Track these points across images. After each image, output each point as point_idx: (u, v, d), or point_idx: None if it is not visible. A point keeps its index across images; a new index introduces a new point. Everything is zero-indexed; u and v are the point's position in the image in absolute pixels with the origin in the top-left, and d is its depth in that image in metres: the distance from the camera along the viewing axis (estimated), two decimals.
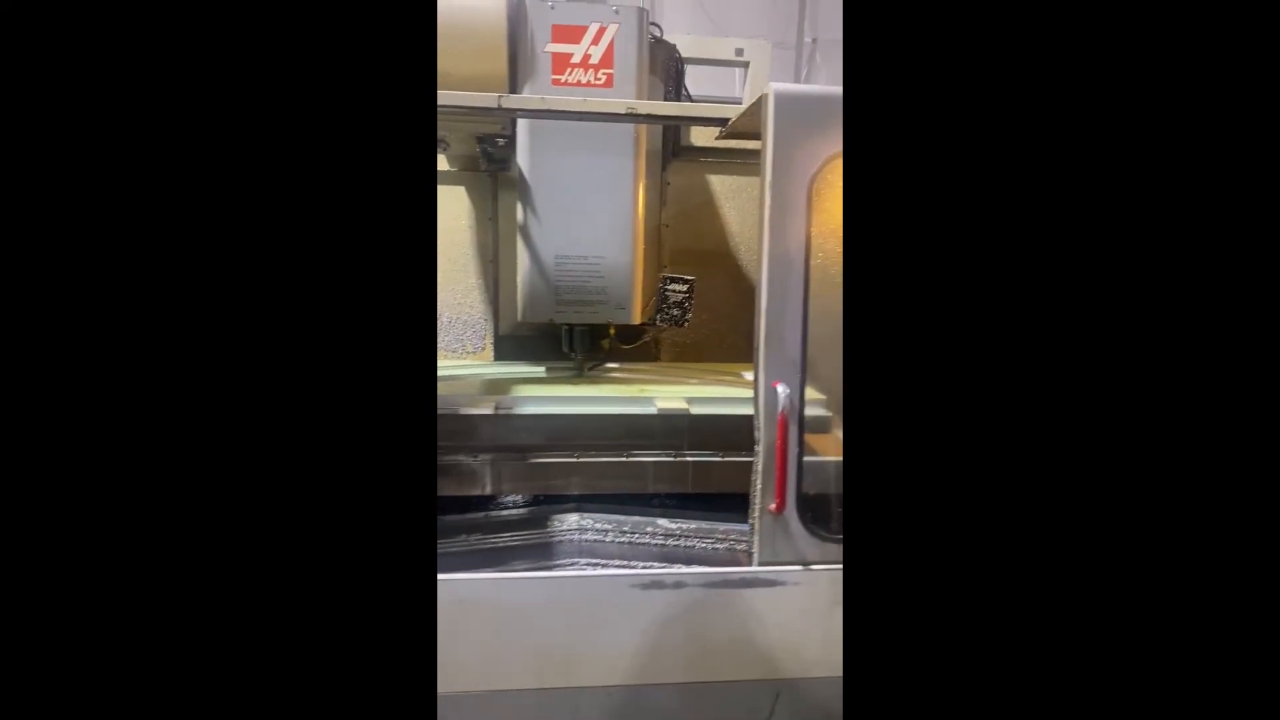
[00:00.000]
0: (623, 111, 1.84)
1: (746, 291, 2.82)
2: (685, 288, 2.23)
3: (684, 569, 1.61)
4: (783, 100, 1.50)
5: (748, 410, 1.63)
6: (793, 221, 1.52)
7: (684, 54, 3.34)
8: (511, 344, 2.83)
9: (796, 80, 4.52)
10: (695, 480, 1.99)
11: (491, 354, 2.89)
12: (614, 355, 2.63)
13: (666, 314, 2.24)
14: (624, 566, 1.68)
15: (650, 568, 1.71)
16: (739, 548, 1.83)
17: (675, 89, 3.17)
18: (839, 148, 1.50)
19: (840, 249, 1.60)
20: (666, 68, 3.06)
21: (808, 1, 4.52)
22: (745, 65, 3.37)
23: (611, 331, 2.41)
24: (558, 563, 1.76)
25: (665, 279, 2.26)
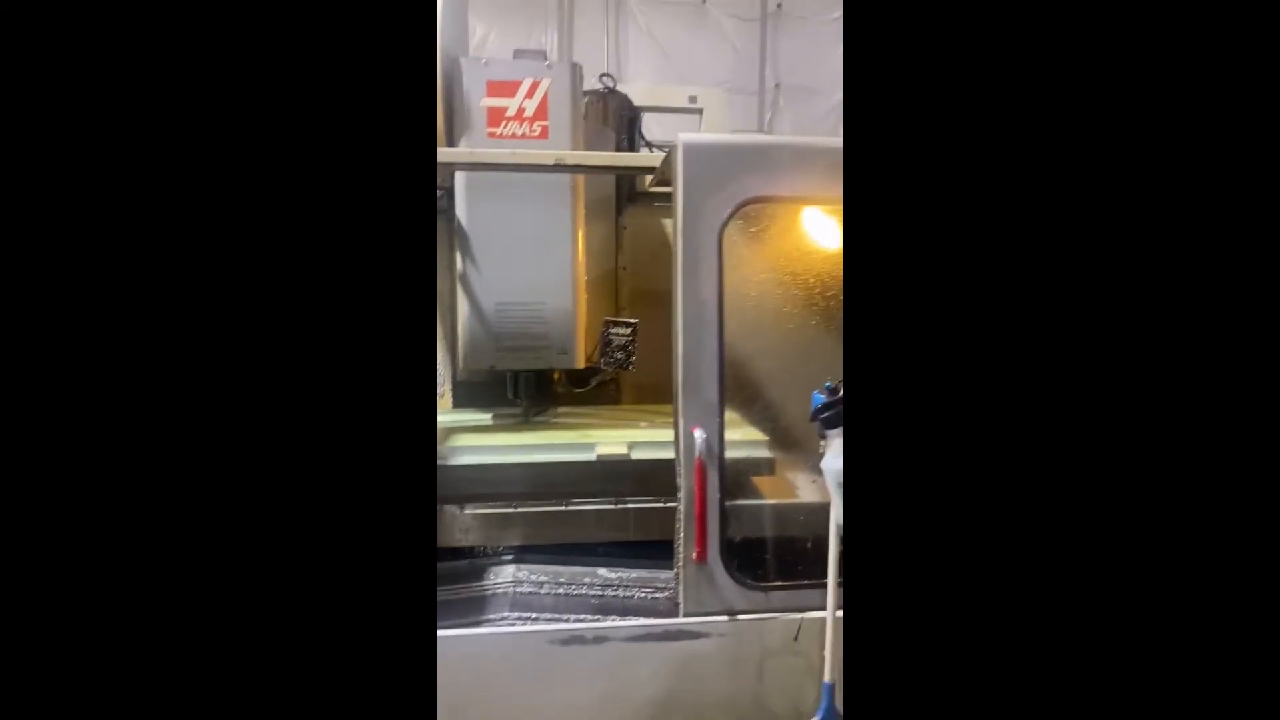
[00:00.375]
0: (551, 162, 1.88)
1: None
2: (628, 331, 2.24)
3: (605, 622, 1.57)
4: (691, 150, 1.52)
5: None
6: (705, 268, 1.53)
7: (640, 102, 3.42)
8: (468, 390, 2.82)
9: (760, 124, 4.62)
10: (637, 527, 1.96)
11: (450, 400, 2.88)
12: (568, 399, 2.62)
13: (610, 357, 2.24)
14: (553, 620, 1.63)
15: (582, 620, 1.67)
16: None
17: (630, 137, 3.24)
18: (748, 194, 1.52)
19: (754, 291, 1.60)
20: (619, 116, 3.13)
21: (769, 48, 4.65)
22: (699, 112, 3.45)
23: (556, 376, 2.40)
24: (487, 618, 1.72)
25: (608, 323, 2.27)
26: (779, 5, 4.73)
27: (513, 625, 1.64)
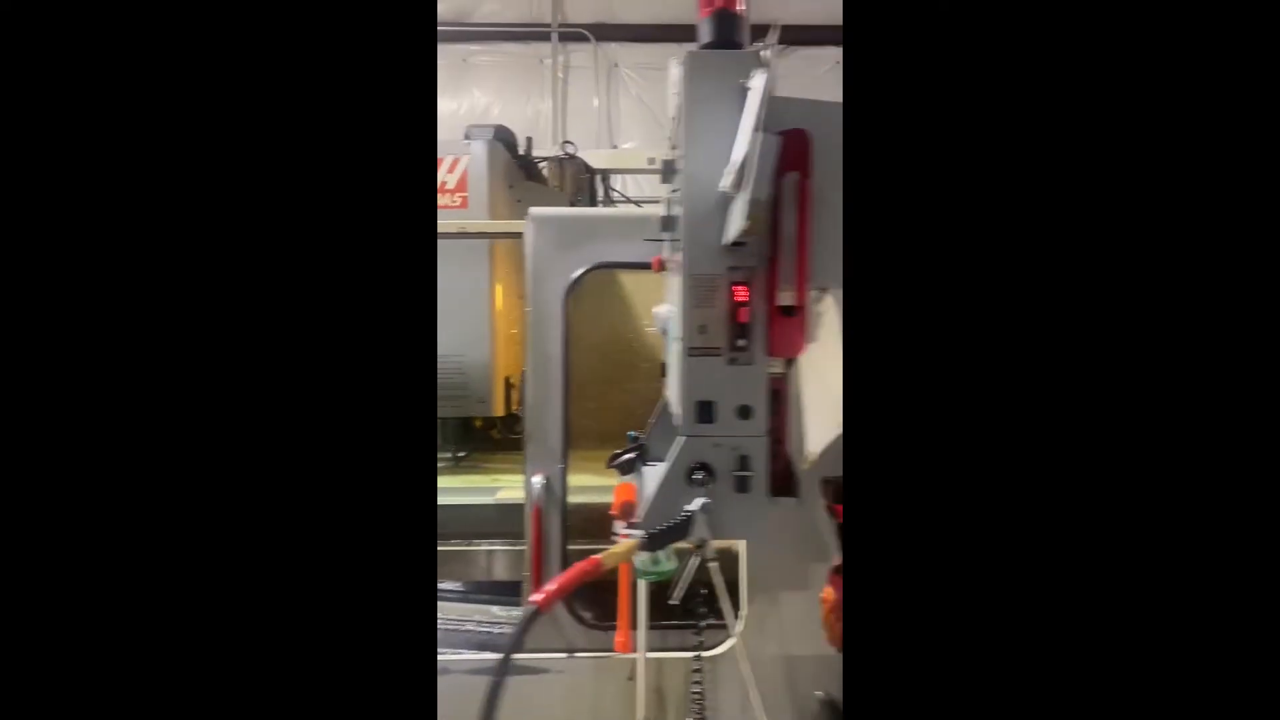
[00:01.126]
0: (455, 230, 2.09)
1: (653, 375, 2.97)
2: None
3: (450, 654, 1.69)
4: (540, 222, 1.69)
5: (591, 498, 1.73)
6: (550, 326, 1.68)
7: (602, 165, 3.66)
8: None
9: None
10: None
11: None
12: (509, 445, 2.78)
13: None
14: None
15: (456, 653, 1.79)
16: None
17: (589, 197, 3.47)
18: (591, 261, 1.68)
19: (604, 343, 1.74)
20: (576, 180, 3.37)
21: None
22: (659, 171, 3.65)
23: (478, 423, 2.57)
24: None
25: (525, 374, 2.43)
26: None
27: None
